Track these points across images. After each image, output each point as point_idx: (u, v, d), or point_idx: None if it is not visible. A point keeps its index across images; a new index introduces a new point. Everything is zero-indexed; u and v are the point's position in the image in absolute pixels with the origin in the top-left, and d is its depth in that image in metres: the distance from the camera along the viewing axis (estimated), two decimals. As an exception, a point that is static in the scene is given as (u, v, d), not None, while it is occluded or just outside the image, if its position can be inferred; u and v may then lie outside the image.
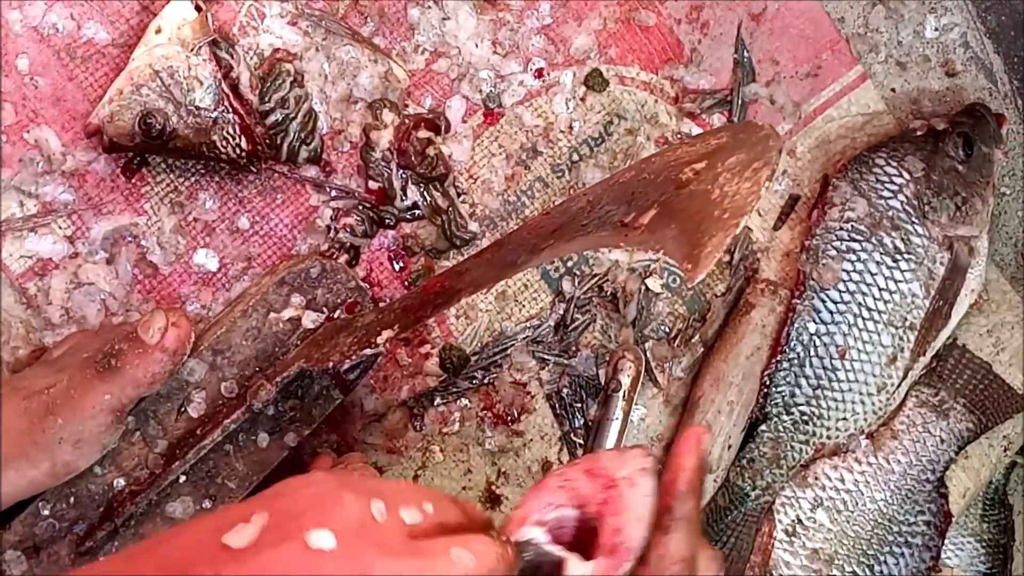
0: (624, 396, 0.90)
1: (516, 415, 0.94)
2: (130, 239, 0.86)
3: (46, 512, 0.79)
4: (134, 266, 0.86)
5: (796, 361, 0.95)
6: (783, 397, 0.96)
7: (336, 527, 0.51)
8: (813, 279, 0.95)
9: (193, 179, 0.88)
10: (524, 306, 0.95)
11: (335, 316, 0.85)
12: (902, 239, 0.95)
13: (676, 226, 0.58)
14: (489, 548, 0.56)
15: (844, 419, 0.97)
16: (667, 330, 0.97)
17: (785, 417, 0.96)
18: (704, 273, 0.54)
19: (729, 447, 0.96)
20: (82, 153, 0.85)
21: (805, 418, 0.96)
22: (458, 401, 0.94)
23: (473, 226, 0.93)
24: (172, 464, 0.81)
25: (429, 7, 0.91)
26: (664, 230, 0.58)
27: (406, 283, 0.92)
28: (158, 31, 0.83)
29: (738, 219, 0.55)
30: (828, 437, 0.97)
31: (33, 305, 0.85)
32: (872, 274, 0.95)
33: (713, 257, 0.53)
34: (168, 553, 0.51)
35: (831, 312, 0.95)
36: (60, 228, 0.85)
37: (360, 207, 0.91)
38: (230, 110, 0.84)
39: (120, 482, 0.81)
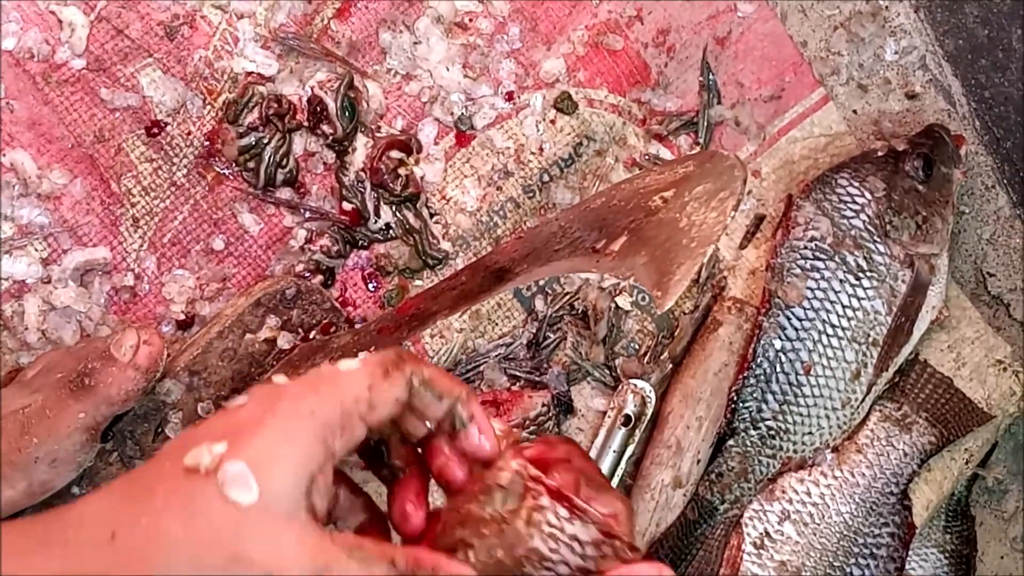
0: (630, 428, 0.94)
1: (489, 432, 0.95)
2: (104, 264, 0.87)
3: (22, 533, 0.80)
4: (109, 289, 0.87)
5: (763, 377, 0.97)
6: (750, 412, 0.98)
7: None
8: (778, 297, 0.97)
9: (168, 201, 0.89)
10: (497, 324, 0.96)
11: (311, 337, 0.86)
12: (864, 257, 0.98)
13: (646, 253, 0.59)
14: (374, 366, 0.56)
15: (810, 433, 0.98)
16: (637, 347, 0.99)
17: (752, 432, 0.98)
18: (673, 300, 0.55)
19: (698, 462, 0.98)
20: (57, 176, 0.86)
21: (772, 433, 0.98)
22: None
23: (446, 246, 0.95)
24: (148, 484, 0.81)
25: (400, 31, 0.93)
26: (634, 257, 0.60)
27: (380, 303, 0.93)
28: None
29: (705, 248, 0.56)
30: (794, 451, 0.99)
31: (9, 326, 0.85)
32: (836, 292, 0.97)
33: (682, 285, 0.55)
34: (134, 476, 0.53)
35: (796, 329, 0.97)
36: (36, 251, 0.86)
37: (334, 228, 0.92)
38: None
39: (96, 502, 0.81)
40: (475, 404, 0.59)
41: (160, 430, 0.82)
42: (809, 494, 0.99)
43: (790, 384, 0.97)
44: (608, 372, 0.98)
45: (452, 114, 0.94)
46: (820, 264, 0.97)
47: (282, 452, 0.51)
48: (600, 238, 0.65)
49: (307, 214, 0.91)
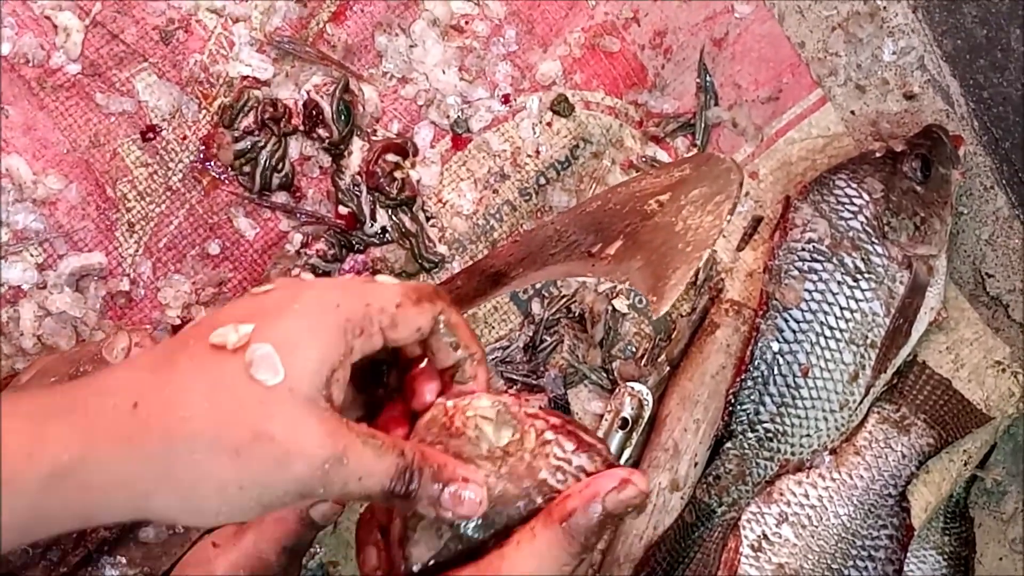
0: (627, 431, 0.94)
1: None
2: (99, 269, 0.87)
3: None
4: (105, 294, 0.87)
5: (760, 379, 0.97)
6: (748, 415, 0.97)
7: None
8: (776, 299, 0.97)
9: (164, 205, 0.89)
10: (493, 328, 0.96)
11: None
12: (862, 259, 0.97)
13: (641, 257, 0.59)
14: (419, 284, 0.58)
15: (808, 436, 0.98)
16: (634, 350, 0.98)
17: (750, 434, 0.98)
18: (669, 305, 0.55)
19: (695, 464, 0.97)
20: (53, 181, 0.86)
21: (770, 435, 0.98)
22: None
23: (442, 249, 0.94)
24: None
25: (396, 34, 0.93)
26: (630, 261, 0.60)
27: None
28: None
29: (701, 252, 0.56)
30: (792, 453, 0.98)
31: (5, 332, 0.85)
32: (833, 293, 0.97)
33: (677, 289, 0.55)
34: (157, 350, 0.54)
35: (794, 331, 0.97)
36: (32, 256, 0.86)
37: (330, 232, 0.92)
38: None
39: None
40: (483, 369, 0.61)
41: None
42: (807, 496, 0.99)
43: (788, 386, 0.97)
44: (605, 375, 0.98)
45: (448, 117, 0.94)
46: (818, 266, 0.97)
47: (307, 339, 0.53)
48: (596, 242, 0.65)
49: (303, 218, 0.91)
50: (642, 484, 0.57)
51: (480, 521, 0.58)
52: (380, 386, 0.63)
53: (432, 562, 0.58)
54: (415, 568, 0.58)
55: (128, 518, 0.52)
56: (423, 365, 0.62)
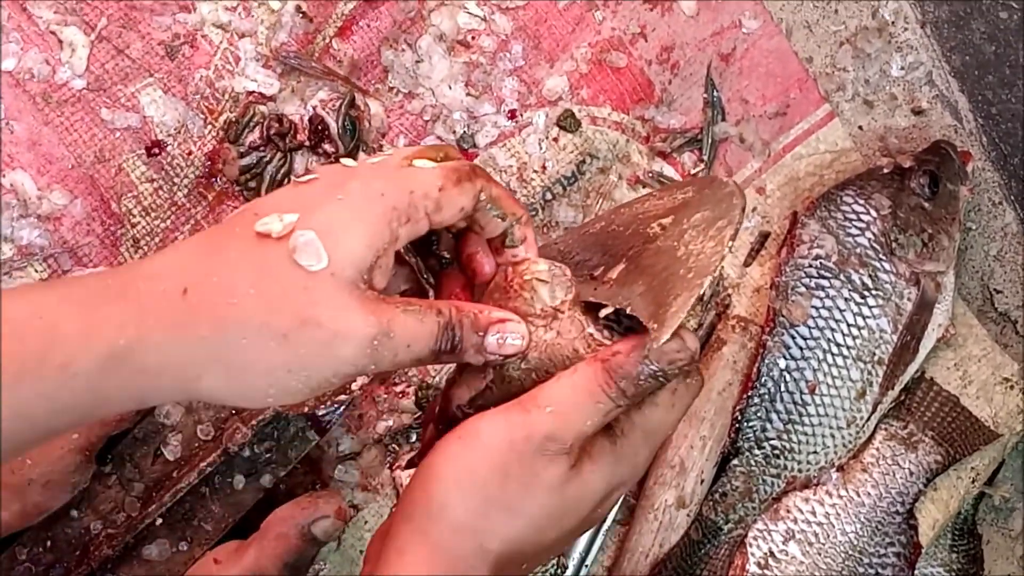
0: None
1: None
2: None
3: (23, 556, 0.80)
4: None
5: (767, 396, 0.97)
6: (754, 432, 0.97)
7: None
8: (783, 315, 0.97)
9: (169, 221, 0.89)
10: (498, 344, 0.96)
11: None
12: (870, 275, 0.97)
13: (643, 283, 0.59)
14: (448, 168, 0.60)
15: (815, 453, 0.98)
16: (640, 366, 0.98)
17: (757, 451, 0.97)
18: (669, 333, 0.55)
19: (702, 481, 0.97)
20: (58, 197, 0.86)
21: (776, 452, 0.97)
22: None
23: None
24: (149, 507, 0.81)
25: (403, 50, 0.92)
26: (632, 286, 0.59)
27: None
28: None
29: (702, 279, 0.56)
30: (799, 471, 0.98)
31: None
32: (841, 310, 0.96)
33: (678, 318, 0.55)
34: (204, 237, 0.57)
35: (801, 348, 0.96)
36: (36, 271, 0.86)
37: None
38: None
39: (97, 526, 0.81)
40: (530, 229, 0.64)
41: (159, 453, 0.82)
42: (814, 513, 0.99)
43: (795, 403, 0.97)
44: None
45: (454, 132, 0.94)
46: (825, 282, 0.97)
47: (351, 226, 0.54)
48: (599, 264, 0.65)
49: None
50: (692, 343, 0.58)
51: (524, 365, 0.60)
52: (431, 256, 0.65)
53: (475, 402, 0.61)
54: (456, 405, 0.61)
55: (179, 399, 0.56)
56: (473, 240, 0.64)
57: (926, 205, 0.98)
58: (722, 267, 1.00)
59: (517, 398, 0.59)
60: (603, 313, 0.60)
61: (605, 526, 0.97)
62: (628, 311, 0.57)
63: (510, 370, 0.61)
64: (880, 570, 0.99)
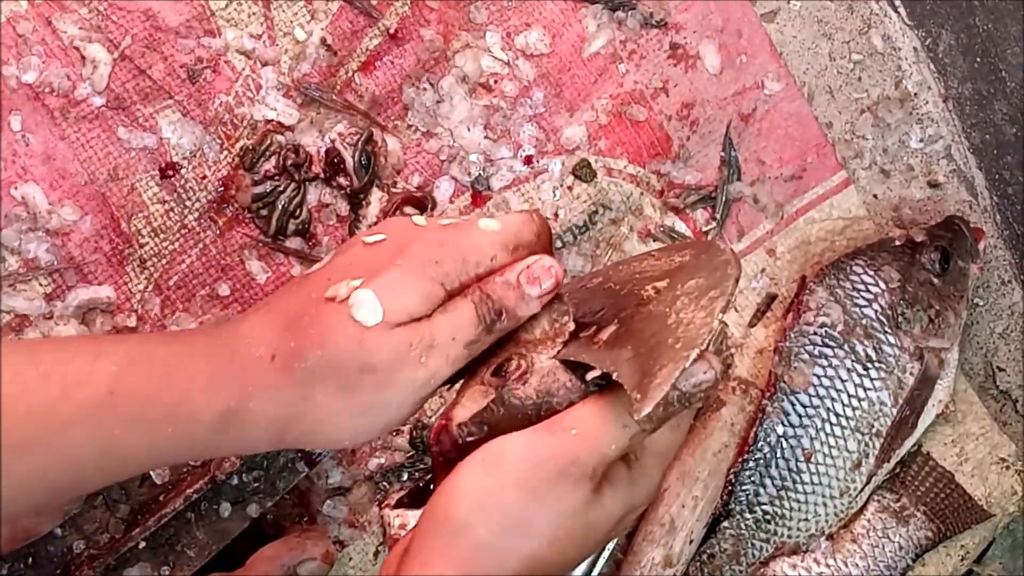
0: None
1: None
2: (107, 303, 0.87)
3: (3, 571, 0.79)
4: (110, 328, 0.86)
5: (762, 461, 0.96)
6: (747, 495, 0.97)
7: None
8: (784, 381, 0.96)
9: (177, 243, 0.88)
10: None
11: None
12: (874, 348, 0.96)
13: (632, 348, 0.58)
14: (515, 216, 0.66)
15: (806, 520, 0.97)
16: (637, 420, 0.97)
17: (748, 515, 0.97)
18: (651, 406, 0.54)
19: (691, 541, 0.96)
20: (68, 212, 0.85)
21: (768, 517, 0.97)
22: (426, 477, 0.94)
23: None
24: (133, 530, 0.81)
25: (425, 88, 0.92)
26: (620, 350, 0.59)
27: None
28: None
29: (689, 351, 0.55)
30: (789, 536, 0.98)
31: (7, 360, 0.85)
32: (842, 380, 0.96)
33: (662, 390, 0.54)
34: (284, 306, 0.64)
35: (800, 415, 0.96)
36: (40, 285, 0.85)
37: (341, 281, 0.91)
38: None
39: (80, 545, 0.81)
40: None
41: (147, 476, 0.82)
42: (801, 581, 0.98)
43: (790, 470, 0.96)
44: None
45: (470, 174, 0.94)
46: (829, 352, 0.96)
47: (407, 290, 0.61)
48: (592, 323, 0.65)
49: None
50: (716, 365, 0.58)
51: (524, 389, 0.62)
52: None
53: (475, 421, 0.62)
54: (455, 424, 0.62)
55: (269, 449, 0.63)
56: None
57: (935, 281, 0.98)
58: (726, 325, 1.00)
59: (542, 421, 0.61)
60: (590, 376, 0.60)
61: (596, 571, 0.96)
62: (615, 377, 0.57)
63: (510, 393, 0.61)
64: (863, 643, 0.98)
